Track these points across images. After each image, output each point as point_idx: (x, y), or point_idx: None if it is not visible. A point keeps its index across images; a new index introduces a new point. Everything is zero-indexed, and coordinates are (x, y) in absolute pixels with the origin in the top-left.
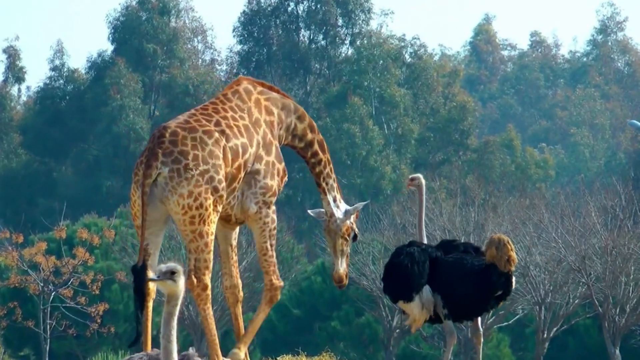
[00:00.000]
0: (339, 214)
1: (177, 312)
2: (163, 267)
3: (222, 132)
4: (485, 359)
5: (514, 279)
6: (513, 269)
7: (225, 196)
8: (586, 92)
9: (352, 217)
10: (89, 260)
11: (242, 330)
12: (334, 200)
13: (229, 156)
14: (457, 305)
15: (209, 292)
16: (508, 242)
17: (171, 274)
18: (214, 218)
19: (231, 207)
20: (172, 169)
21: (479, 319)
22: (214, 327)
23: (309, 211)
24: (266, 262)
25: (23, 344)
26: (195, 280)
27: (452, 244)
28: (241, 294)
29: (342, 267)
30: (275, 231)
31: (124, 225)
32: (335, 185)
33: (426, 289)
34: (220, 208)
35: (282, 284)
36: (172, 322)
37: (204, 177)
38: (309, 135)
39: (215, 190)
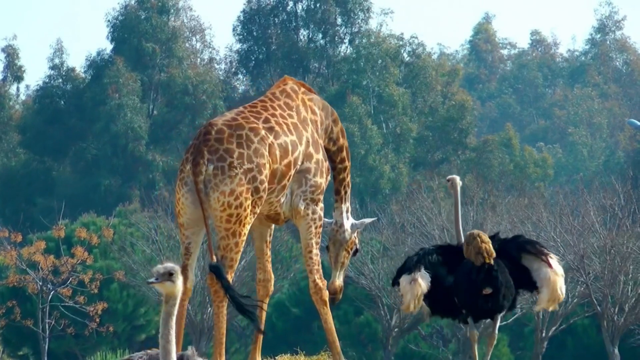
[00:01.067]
0: (347, 225)
1: (175, 312)
2: (160, 268)
3: (271, 129)
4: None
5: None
6: (488, 261)
7: (264, 198)
8: (584, 91)
9: (357, 232)
10: (88, 260)
11: (263, 323)
12: (347, 211)
13: (277, 153)
14: (463, 305)
15: None
16: (478, 235)
17: (169, 275)
18: (250, 219)
19: (281, 205)
20: (216, 166)
21: (497, 320)
22: (224, 326)
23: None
24: (311, 260)
25: (22, 343)
26: (215, 277)
27: (492, 239)
28: (272, 288)
29: (339, 279)
30: (321, 229)
31: (122, 225)
32: (349, 197)
33: (422, 274)
34: (258, 210)
35: (324, 282)
36: (171, 322)
37: (247, 176)
38: (341, 140)
39: (256, 190)
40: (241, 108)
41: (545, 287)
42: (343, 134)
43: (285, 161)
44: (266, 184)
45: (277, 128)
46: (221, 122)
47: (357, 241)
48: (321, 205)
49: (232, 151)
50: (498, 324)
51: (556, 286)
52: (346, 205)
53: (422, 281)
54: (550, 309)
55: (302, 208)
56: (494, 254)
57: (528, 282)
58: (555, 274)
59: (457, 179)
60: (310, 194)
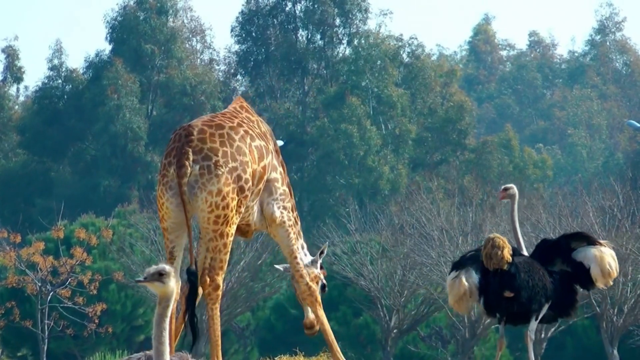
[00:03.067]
0: (306, 261)
1: (169, 314)
2: (152, 268)
3: (246, 132)
4: (482, 359)
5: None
6: (499, 266)
7: (249, 197)
8: (584, 92)
9: (319, 265)
10: (87, 260)
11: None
12: (302, 248)
13: (255, 154)
14: (493, 308)
15: (219, 292)
16: (492, 240)
17: (159, 276)
18: (236, 219)
19: (252, 215)
20: (202, 165)
21: (532, 324)
22: (219, 328)
23: (276, 265)
24: (298, 265)
25: (21, 344)
26: (208, 279)
27: (546, 244)
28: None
29: (312, 314)
30: (300, 234)
31: (121, 225)
32: (301, 233)
33: (469, 273)
34: (242, 210)
35: (316, 285)
36: (164, 324)
37: (232, 175)
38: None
39: (241, 190)
40: (213, 114)
41: (594, 263)
42: (284, 167)
43: (262, 164)
44: (250, 183)
45: (250, 132)
46: (201, 123)
47: (321, 276)
48: (295, 212)
49: (216, 150)
50: (533, 328)
51: (604, 261)
52: (300, 242)
53: (466, 280)
54: (604, 285)
55: (277, 215)
56: (509, 259)
57: (585, 275)
58: (600, 252)
59: (515, 188)
60: (281, 201)
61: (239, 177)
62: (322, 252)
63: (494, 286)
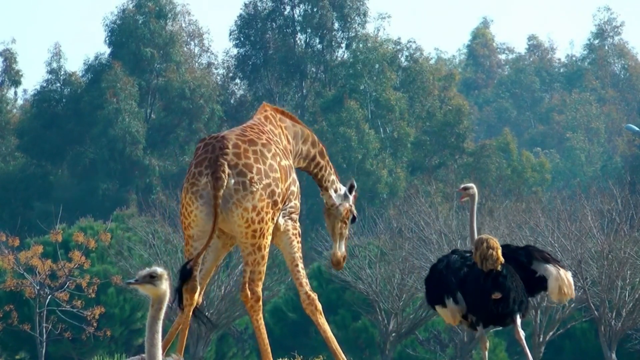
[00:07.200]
0: (339, 200)
1: (161, 317)
2: (144, 271)
3: (275, 154)
4: None
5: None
6: (492, 267)
7: (280, 208)
8: (582, 96)
9: (351, 199)
10: (85, 264)
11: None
12: (335, 191)
13: (282, 174)
14: (473, 310)
15: (261, 303)
16: (486, 241)
17: (150, 278)
18: (271, 231)
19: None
20: (237, 181)
21: (517, 324)
22: (266, 336)
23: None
24: (299, 273)
25: (19, 347)
26: (249, 292)
27: (510, 248)
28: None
29: (341, 250)
30: (300, 245)
31: (119, 229)
32: (334, 177)
33: (457, 301)
34: (275, 219)
35: (315, 294)
36: (156, 327)
37: (267, 191)
38: (312, 152)
39: (274, 204)
40: (242, 127)
41: (551, 279)
42: (314, 143)
43: (286, 184)
44: (282, 196)
45: (278, 153)
46: (235, 137)
47: (353, 208)
48: (298, 224)
49: (250, 166)
50: (519, 326)
51: (561, 278)
52: (333, 187)
53: (456, 306)
54: (559, 300)
55: (282, 223)
56: (502, 260)
57: (538, 282)
58: (558, 270)
59: (474, 187)
60: (289, 213)
61: (272, 192)
62: (352, 186)
63: (485, 287)
